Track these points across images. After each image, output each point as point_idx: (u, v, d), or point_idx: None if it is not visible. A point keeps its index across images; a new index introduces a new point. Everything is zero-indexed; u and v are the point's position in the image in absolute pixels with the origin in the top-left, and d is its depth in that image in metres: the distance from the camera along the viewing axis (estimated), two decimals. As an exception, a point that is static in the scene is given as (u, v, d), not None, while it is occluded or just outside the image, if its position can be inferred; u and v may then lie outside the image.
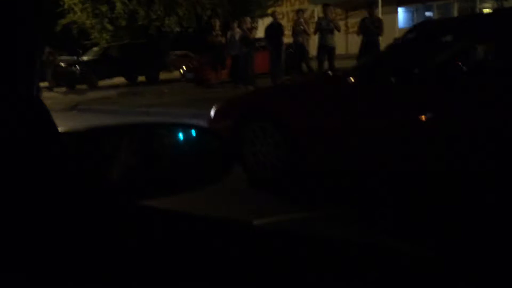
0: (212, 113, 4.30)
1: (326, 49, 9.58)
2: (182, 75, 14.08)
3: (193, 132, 0.86)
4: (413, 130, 2.86)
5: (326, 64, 10.00)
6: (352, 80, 3.26)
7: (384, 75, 2.97)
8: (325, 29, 9.42)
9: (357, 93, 3.19)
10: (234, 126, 4.00)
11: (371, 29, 8.73)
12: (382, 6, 20.36)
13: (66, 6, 19.66)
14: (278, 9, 24.71)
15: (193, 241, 0.68)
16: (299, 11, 10.53)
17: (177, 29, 21.31)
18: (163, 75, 18.56)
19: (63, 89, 15.99)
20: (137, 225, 0.70)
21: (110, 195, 0.73)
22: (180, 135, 0.85)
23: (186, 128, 0.87)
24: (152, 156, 0.83)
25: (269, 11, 23.00)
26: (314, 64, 10.48)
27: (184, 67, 14.11)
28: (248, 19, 11.77)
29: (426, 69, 2.96)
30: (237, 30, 11.45)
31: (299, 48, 10.23)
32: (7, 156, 0.59)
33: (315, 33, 9.89)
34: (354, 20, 21.98)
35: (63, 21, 20.06)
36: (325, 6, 9.91)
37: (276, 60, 10.77)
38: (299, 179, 3.67)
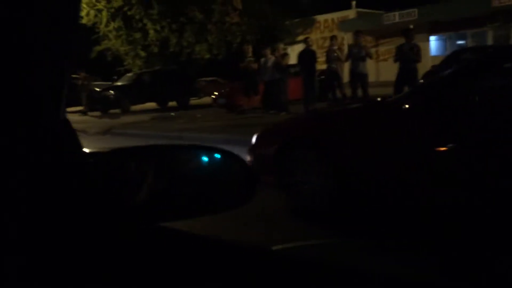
0: (254, 139, 4.20)
1: (358, 76, 9.47)
2: (214, 100, 14.16)
3: (217, 155, 0.85)
4: (483, 160, 2.68)
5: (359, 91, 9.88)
6: (407, 106, 3.12)
7: (445, 101, 2.81)
8: (357, 56, 9.33)
9: (415, 120, 3.04)
10: (277, 154, 3.89)
11: (409, 55, 8.56)
12: (415, 33, 20.25)
13: (101, 33, 20.28)
14: (305, 36, 25.01)
15: (207, 264, 0.70)
16: (333, 38, 10.50)
17: (207, 55, 21.66)
18: (193, 101, 18.78)
19: (97, 113, 16.31)
20: (153, 247, 0.72)
21: (130, 217, 0.75)
22: (203, 158, 0.85)
23: (209, 150, 0.86)
24: (175, 178, 0.83)
25: (299, 38, 23.24)
26: (348, 91, 10.38)
27: (216, 93, 14.20)
28: (281, 46, 11.81)
29: (491, 95, 2.80)
30: (270, 56, 11.48)
31: (333, 75, 10.14)
32: (34, 175, 0.61)
33: (346, 60, 9.81)
34: (384, 48, 21.92)
35: (98, 48, 20.66)
36: (356, 33, 9.84)
37: (309, 86, 10.71)
38: (343, 209, 3.50)
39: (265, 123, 10.33)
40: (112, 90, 16.86)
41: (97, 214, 0.69)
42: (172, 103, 18.17)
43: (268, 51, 11.58)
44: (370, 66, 15.68)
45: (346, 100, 10.16)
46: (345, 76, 10.49)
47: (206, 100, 21.21)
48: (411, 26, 19.70)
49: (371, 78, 16.21)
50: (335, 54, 10.01)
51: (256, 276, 0.69)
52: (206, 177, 0.84)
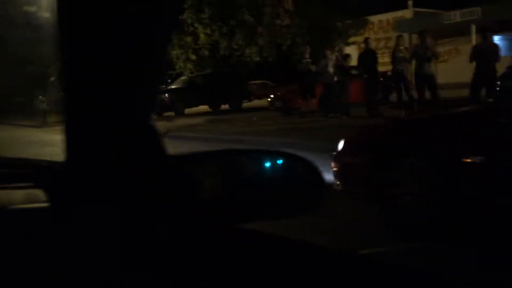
0: (341, 146, 3.86)
1: (423, 78, 8.90)
2: (270, 103, 13.92)
3: (285, 160, 0.86)
4: None
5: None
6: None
7: None
8: (422, 56, 8.78)
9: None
10: (371, 162, 3.53)
11: (486, 55, 7.94)
12: (477, 33, 19.16)
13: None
14: (359, 38, 24.26)
15: (299, 267, 0.72)
16: (399, 37, 9.96)
17: (257, 58, 21.54)
18: (244, 104, 18.65)
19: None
20: (242, 248, 0.75)
21: (206, 218, 0.78)
22: (275, 162, 0.85)
23: (277, 155, 0.86)
24: (246, 183, 0.83)
25: (351, 39, 22.64)
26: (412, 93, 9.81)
27: (271, 95, 13.96)
28: (343, 47, 11.39)
29: None
30: (331, 57, 11.09)
31: (400, 76, 9.61)
32: (126, 172, 0.67)
33: (410, 61, 9.27)
34: (444, 48, 20.91)
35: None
36: (422, 33, 9.28)
37: (372, 88, 10.24)
38: (457, 223, 3.10)
39: (325, 127, 10.01)
40: (167, 93, 16.99)
41: (179, 214, 0.72)
42: (224, 106, 18.10)
43: (329, 52, 11.19)
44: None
45: (413, 103, 9.59)
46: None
47: (256, 103, 21.07)
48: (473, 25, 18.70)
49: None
50: (401, 55, 9.48)
51: (345, 279, 0.71)
52: (277, 181, 0.84)
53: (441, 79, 18.99)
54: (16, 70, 23.67)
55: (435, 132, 3.18)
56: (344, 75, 10.57)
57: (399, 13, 22.90)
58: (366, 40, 10.65)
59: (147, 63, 0.64)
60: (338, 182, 3.81)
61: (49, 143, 11.36)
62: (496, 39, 20.44)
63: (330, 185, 3.74)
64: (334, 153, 3.91)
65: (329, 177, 3.90)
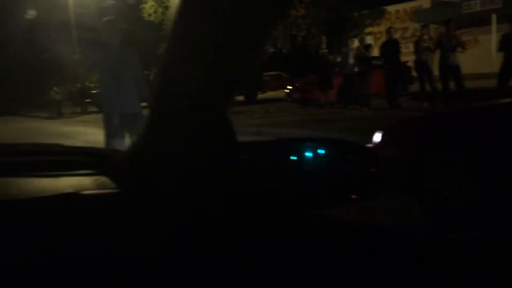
0: (377, 138, 3.70)
1: (448, 68, 8.63)
2: (288, 95, 13.74)
3: (343, 148, 0.86)
4: None
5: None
6: None
7: None
8: (447, 46, 8.50)
9: None
10: (411, 156, 3.38)
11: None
12: (497, 23, 18.71)
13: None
14: (376, 28, 23.86)
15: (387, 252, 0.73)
16: (424, 27, 9.68)
17: (271, 49, 21.30)
18: (259, 95, 18.49)
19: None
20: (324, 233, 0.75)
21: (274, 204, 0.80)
22: (327, 150, 0.85)
23: (335, 143, 0.87)
24: (307, 170, 0.83)
25: (368, 30, 22.28)
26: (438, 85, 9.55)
27: (289, 86, 13.78)
28: (365, 36, 11.14)
29: None
30: (352, 47, 10.86)
31: (423, 67, 9.35)
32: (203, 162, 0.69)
33: (434, 50, 8.99)
34: (465, 38, 20.46)
35: (165, 45, 20.82)
36: (447, 22, 9.00)
37: (393, 79, 10.00)
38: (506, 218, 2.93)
39: (345, 118, 9.84)
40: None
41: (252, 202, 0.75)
42: (239, 98, 17.96)
43: (350, 42, 10.95)
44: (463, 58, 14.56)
45: (436, 95, 9.34)
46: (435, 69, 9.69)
47: (271, 94, 20.88)
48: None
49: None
50: (426, 45, 9.21)
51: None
52: (329, 170, 0.84)
53: (462, 69, 18.64)
54: (32, 60, 23.78)
55: (488, 123, 3.01)
56: (365, 65, 10.33)
57: (416, 3, 22.45)
58: (389, 30, 10.38)
59: (245, 53, 0.62)
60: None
61: (65, 135, 11.34)
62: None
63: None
64: (370, 145, 3.75)
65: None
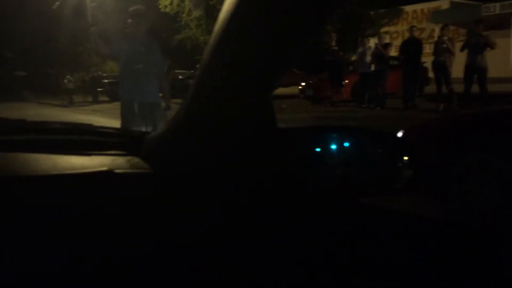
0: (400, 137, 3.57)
1: (475, 70, 8.41)
2: (301, 91, 13.59)
3: (382, 137, 0.86)
4: None
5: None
6: None
7: None
8: (475, 47, 8.27)
9: None
10: (435, 156, 3.25)
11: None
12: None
13: (183, 22, 20.34)
14: (392, 28, 23.55)
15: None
16: (444, 27, 9.47)
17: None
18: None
19: (179, 100, 16.34)
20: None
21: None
22: (368, 140, 0.85)
23: (376, 134, 0.86)
24: (344, 159, 0.82)
25: (384, 29, 21.99)
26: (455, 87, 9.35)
27: (303, 83, 13.63)
28: (385, 35, 10.94)
29: None
30: (369, 46, 10.67)
31: (441, 68, 9.16)
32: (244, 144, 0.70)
33: (462, 50, 8.77)
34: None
35: (180, 36, 20.74)
36: (477, 22, 8.79)
37: (411, 79, 9.80)
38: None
39: (358, 117, 9.68)
40: (191, 79, 16.80)
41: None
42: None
43: (367, 40, 10.77)
44: (461, 60, 14.32)
45: (453, 97, 9.15)
46: (454, 71, 9.49)
47: (282, 90, 20.73)
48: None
49: (461, 74, 14.82)
50: (445, 46, 9.01)
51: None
52: (373, 159, 0.83)
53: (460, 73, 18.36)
54: (45, 48, 23.82)
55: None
56: (383, 64, 10.15)
57: (435, 4, 22.12)
58: (411, 29, 10.16)
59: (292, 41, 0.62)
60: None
61: (78, 122, 11.32)
62: (538, 33, 19.56)
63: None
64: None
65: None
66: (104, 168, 0.71)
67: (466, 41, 8.76)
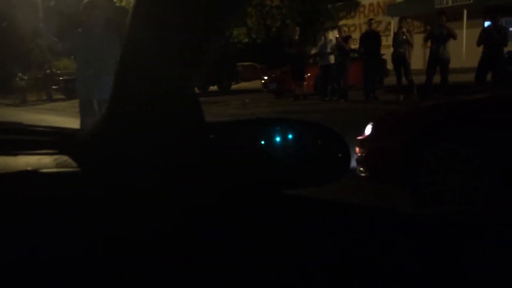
0: (369, 130, 3.58)
1: (438, 61, 8.60)
2: (264, 85, 13.55)
3: (312, 129, 0.88)
4: None
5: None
6: None
7: None
8: (439, 37, 8.44)
9: None
10: (404, 148, 3.27)
11: (495, 38, 7.71)
12: (468, 19, 19.06)
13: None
14: (350, 21, 23.90)
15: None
16: (402, 20, 9.64)
17: (246, 40, 21.04)
18: (233, 86, 18.24)
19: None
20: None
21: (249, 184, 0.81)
22: (298, 131, 0.86)
23: (304, 125, 0.88)
24: (268, 151, 0.83)
25: (341, 22, 22.27)
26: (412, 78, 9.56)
27: (265, 77, 13.59)
28: (344, 28, 11.03)
29: None
30: (330, 39, 10.75)
31: (400, 60, 9.34)
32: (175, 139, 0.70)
33: (425, 41, 8.95)
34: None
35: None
36: (440, 13, 8.98)
37: (371, 72, 9.95)
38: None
39: (323, 110, 9.75)
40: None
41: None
42: (212, 88, 17.65)
43: (328, 33, 10.84)
44: (418, 52, 14.60)
45: (412, 88, 9.36)
46: (412, 62, 9.71)
47: (244, 85, 20.64)
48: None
49: (417, 65, 15.13)
50: (404, 37, 9.19)
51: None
52: (303, 150, 0.85)
53: (420, 65, 18.96)
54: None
55: (476, 118, 2.92)
56: (344, 57, 10.24)
57: (390, -3, 22.62)
58: (369, 21, 10.30)
59: (211, 35, 0.62)
60: (362, 168, 3.55)
61: (29, 123, 10.81)
62: (488, 24, 20.41)
63: (352, 171, 3.59)
64: (359, 137, 3.63)
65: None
66: (28, 168, 0.69)
67: (429, 32, 8.93)
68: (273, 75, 13.23)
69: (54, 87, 19.94)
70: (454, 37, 8.63)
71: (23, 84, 19.36)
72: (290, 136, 0.85)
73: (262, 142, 0.84)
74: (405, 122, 3.43)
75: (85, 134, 0.79)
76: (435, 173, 3.10)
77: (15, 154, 0.77)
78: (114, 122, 0.70)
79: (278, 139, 0.84)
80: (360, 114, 8.40)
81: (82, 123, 4.41)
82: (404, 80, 9.58)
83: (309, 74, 11.84)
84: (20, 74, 19.51)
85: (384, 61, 12.70)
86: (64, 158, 0.75)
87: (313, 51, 13.27)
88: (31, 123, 1.03)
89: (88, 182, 0.68)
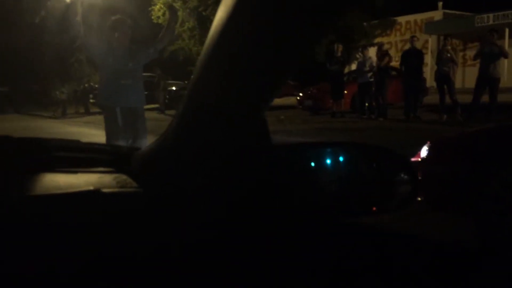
0: (425, 151, 3.35)
1: (488, 80, 8.26)
2: (299, 102, 13.41)
3: (377, 154, 0.83)
4: None
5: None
6: None
7: None
8: (489, 56, 8.11)
9: None
10: (467, 172, 3.03)
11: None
12: (510, 37, 18.46)
13: (176, 33, 20.18)
14: (386, 39, 23.60)
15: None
16: (447, 37, 9.36)
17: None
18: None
19: (174, 111, 16.07)
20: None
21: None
22: (364, 156, 0.82)
23: (369, 149, 0.84)
24: (341, 177, 0.81)
25: (377, 40, 22.01)
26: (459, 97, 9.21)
27: (301, 94, 13.46)
28: (384, 46, 10.82)
29: None
30: (369, 56, 10.54)
31: (444, 78, 9.03)
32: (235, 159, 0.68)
33: (474, 59, 8.63)
34: (472, 52, 20.19)
35: (172, 47, 20.57)
36: (491, 31, 8.66)
37: (414, 90, 9.65)
38: None
39: (362, 128, 9.50)
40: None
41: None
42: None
43: (367, 51, 10.65)
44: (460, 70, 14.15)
45: (457, 107, 9.01)
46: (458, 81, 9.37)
47: (277, 101, 20.56)
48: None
49: (457, 84, 14.71)
50: (448, 55, 8.89)
51: None
52: (370, 176, 0.81)
53: (468, 83, 18.40)
54: (37, 60, 23.45)
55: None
56: (383, 75, 10.00)
57: (427, 14, 22.24)
58: (412, 39, 10.03)
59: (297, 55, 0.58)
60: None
61: (69, 135, 11.00)
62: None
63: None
64: (414, 159, 3.41)
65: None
66: (90, 187, 0.69)
67: (479, 50, 8.61)
68: (309, 92, 13.08)
69: (91, 100, 20.43)
70: (505, 56, 8.28)
71: (64, 97, 19.89)
72: (350, 160, 0.80)
73: (323, 165, 0.79)
74: (470, 143, 3.19)
75: (144, 153, 0.78)
76: (499, 203, 2.84)
77: (76, 172, 0.77)
78: (178, 142, 0.68)
79: (340, 162, 0.80)
80: (402, 133, 8.12)
81: (108, 135, 4.47)
82: (447, 99, 9.25)
83: (346, 92, 11.63)
84: (62, 88, 20.06)
85: (424, 80, 12.37)
86: (124, 177, 0.75)
87: (347, 69, 13.10)
88: (87, 140, 1.02)
89: (148, 202, 0.68)
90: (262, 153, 0.70)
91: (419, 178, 3.32)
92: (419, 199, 3.33)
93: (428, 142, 3.42)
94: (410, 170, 0.82)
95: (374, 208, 0.82)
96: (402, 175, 0.83)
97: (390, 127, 9.07)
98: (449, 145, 3.31)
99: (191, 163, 0.67)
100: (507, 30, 18.49)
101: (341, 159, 0.81)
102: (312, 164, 0.80)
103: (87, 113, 19.60)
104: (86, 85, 21.05)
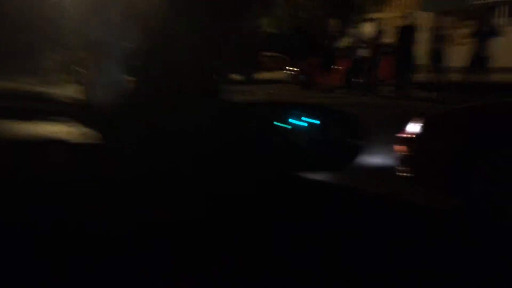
0: (417, 128, 3.24)
1: (481, 60, 8.17)
2: (293, 77, 13.29)
3: (329, 115, 0.84)
4: None
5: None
6: None
7: None
8: (485, 36, 8.01)
9: None
10: (460, 152, 2.95)
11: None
12: (510, 16, 18.25)
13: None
14: (381, 15, 23.24)
15: None
16: (440, 15, 9.18)
17: (273, 30, 20.78)
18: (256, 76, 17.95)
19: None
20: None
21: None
22: (313, 117, 0.81)
23: (329, 111, 0.85)
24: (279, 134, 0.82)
25: (371, 15, 21.69)
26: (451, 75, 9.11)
27: (295, 68, 13.32)
28: (377, 22, 10.64)
29: None
30: (363, 33, 10.36)
31: (438, 56, 8.92)
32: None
33: (472, 37, 8.50)
34: (464, 31, 19.95)
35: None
36: (489, 9, 8.57)
37: (405, 67, 9.52)
38: None
39: (352, 104, 9.38)
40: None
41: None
42: (238, 77, 17.38)
43: (361, 27, 10.46)
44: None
45: (446, 85, 8.93)
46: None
47: (267, 75, 20.33)
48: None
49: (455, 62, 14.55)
50: (442, 33, 8.75)
51: None
52: (324, 135, 0.86)
53: (457, 62, 18.29)
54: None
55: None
56: (375, 51, 9.86)
57: (424, -9, 21.85)
58: (405, 15, 9.87)
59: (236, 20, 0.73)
60: (405, 168, 3.23)
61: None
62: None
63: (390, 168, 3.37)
64: (404, 135, 3.31)
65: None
66: (59, 138, 0.78)
67: (476, 29, 8.48)
68: (303, 67, 12.93)
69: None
70: (498, 34, 8.19)
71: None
72: (325, 122, 0.80)
73: (273, 126, 0.80)
74: (466, 121, 3.08)
75: (111, 110, 0.78)
76: (491, 183, 2.77)
77: (34, 121, 0.73)
78: (142, 102, 0.64)
79: (289, 123, 0.82)
80: (392, 109, 8.04)
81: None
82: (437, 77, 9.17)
83: (340, 67, 11.49)
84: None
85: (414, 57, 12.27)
86: (88, 130, 0.73)
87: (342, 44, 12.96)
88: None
89: (112, 154, 0.72)
90: (211, 111, 0.75)
91: (412, 155, 3.24)
92: (406, 174, 3.24)
93: (414, 118, 3.31)
94: (361, 134, 0.92)
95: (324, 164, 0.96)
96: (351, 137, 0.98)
97: (379, 104, 8.99)
98: (444, 121, 3.21)
99: (150, 121, 0.70)
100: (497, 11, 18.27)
101: (316, 121, 0.93)
102: (275, 123, 0.92)
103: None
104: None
